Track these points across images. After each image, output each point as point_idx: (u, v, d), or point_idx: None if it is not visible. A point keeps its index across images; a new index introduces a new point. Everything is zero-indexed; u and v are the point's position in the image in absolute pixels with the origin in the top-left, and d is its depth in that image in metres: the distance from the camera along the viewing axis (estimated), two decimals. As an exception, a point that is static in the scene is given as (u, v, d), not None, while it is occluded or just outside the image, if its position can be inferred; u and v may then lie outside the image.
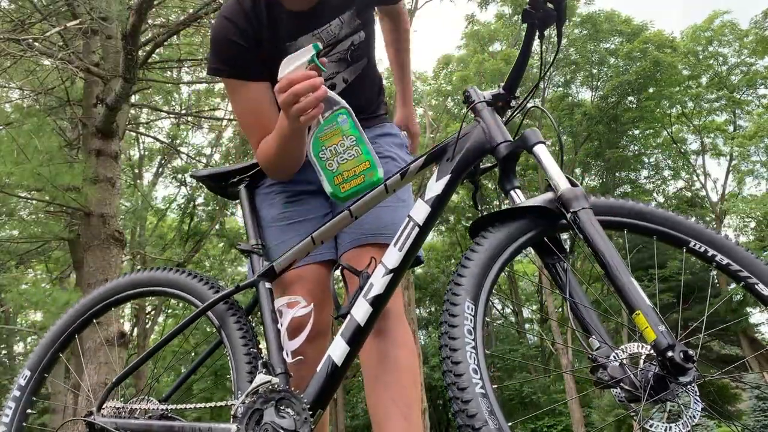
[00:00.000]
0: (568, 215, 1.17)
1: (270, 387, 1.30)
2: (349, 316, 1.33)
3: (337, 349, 1.32)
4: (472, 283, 1.15)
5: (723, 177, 26.22)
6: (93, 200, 5.69)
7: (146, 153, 17.80)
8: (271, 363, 1.36)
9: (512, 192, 1.30)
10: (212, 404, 1.48)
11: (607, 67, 23.21)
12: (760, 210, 20.13)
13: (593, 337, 1.16)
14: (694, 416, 1.01)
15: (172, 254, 14.27)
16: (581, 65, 23.18)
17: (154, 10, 6.36)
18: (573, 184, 1.22)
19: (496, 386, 1.07)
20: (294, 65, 1.31)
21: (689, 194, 25.40)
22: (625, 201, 1.28)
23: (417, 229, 1.35)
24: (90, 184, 5.65)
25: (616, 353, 1.08)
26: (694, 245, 1.23)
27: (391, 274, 1.33)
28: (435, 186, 1.36)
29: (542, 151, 1.26)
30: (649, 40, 22.35)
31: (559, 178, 1.22)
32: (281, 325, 1.42)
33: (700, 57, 24.01)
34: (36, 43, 5.85)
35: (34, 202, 7.30)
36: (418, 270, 24.98)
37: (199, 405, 1.48)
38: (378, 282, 1.33)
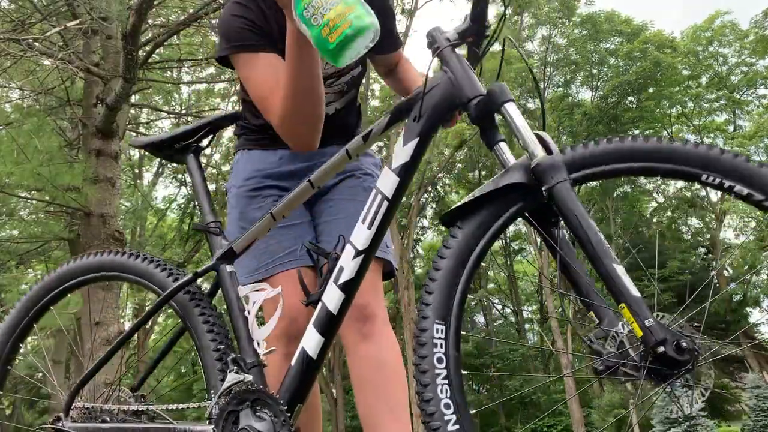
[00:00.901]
0: (543, 190, 1.04)
1: (244, 387, 1.23)
2: (320, 303, 1.24)
3: (311, 341, 1.24)
4: (439, 300, 1.05)
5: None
6: (93, 200, 5.69)
7: (146, 153, 17.78)
8: (242, 356, 1.29)
9: (497, 147, 1.16)
10: (185, 405, 1.39)
11: (607, 67, 23.22)
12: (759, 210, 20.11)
13: (592, 312, 1.05)
14: (707, 383, 0.95)
15: (172, 254, 14.26)
16: (581, 65, 23.19)
17: (154, 10, 6.36)
18: (548, 150, 1.08)
19: (472, 412, 1.00)
20: None
21: (689, 194, 25.41)
22: (613, 143, 1.07)
23: (386, 203, 1.23)
24: (90, 184, 5.65)
25: (615, 332, 0.99)
26: (707, 178, 1.05)
27: (362, 256, 1.23)
28: (402, 152, 1.22)
29: (512, 111, 1.12)
30: (649, 40, 22.36)
31: (533, 144, 1.08)
32: (248, 312, 1.34)
33: (700, 57, 24.03)
34: (36, 43, 5.85)
35: (34, 202, 7.30)
36: (418, 270, 24.97)
37: (171, 406, 1.39)
38: (348, 265, 1.23)
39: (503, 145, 1.16)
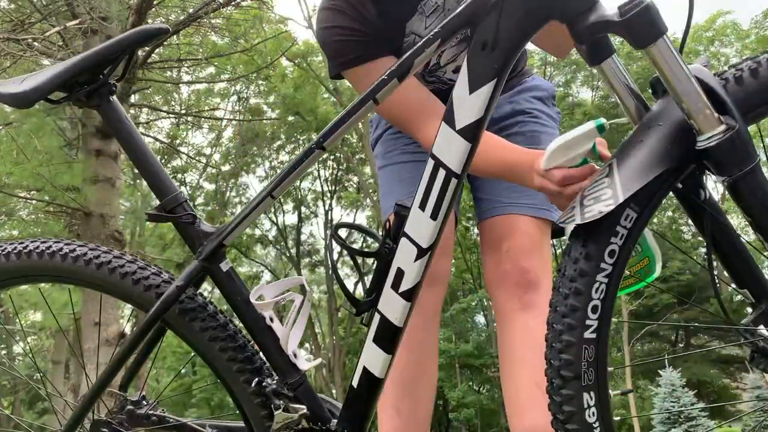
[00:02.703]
0: (722, 180, 0.74)
1: (302, 426, 1.00)
2: (377, 314, 0.96)
3: (375, 360, 0.98)
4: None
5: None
6: (93, 200, 5.69)
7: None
8: (282, 379, 1.03)
9: (605, 63, 0.85)
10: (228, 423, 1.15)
11: (608, 67, 23.25)
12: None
13: (746, 292, 0.84)
14: None
15: (172, 254, 14.26)
16: (582, 65, 23.17)
17: (154, 10, 6.35)
18: (718, 102, 0.72)
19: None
20: (573, 153, 1.00)
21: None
22: None
23: (454, 180, 0.88)
24: (90, 184, 5.64)
25: None
26: None
27: (427, 255, 0.92)
28: (469, 102, 0.85)
29: (666, 51, 0.74)
30: (649, 40, 22.41)
31: (702, 114, 0.72)
32: (271, 319, 1.05)
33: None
34: (36, 43, 5.85)
35: (34, 202, 7.29)
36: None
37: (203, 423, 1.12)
38: (410, 268, 0.92)
39: (617, 60, 0.84)
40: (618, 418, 0.82)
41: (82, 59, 1.05)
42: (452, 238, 1.48)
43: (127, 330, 6.26)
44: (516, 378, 1.30)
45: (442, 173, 0.88)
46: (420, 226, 0.91)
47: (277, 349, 1.03)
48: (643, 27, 0.74)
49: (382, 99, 0.93)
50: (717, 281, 0.83)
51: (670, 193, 0.83)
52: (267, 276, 20.30)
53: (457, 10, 0.87)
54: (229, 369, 1.04)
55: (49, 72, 1.05)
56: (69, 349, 9.56)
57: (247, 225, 1.06)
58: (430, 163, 0.90)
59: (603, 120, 0.93)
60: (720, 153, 0.71)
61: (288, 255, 21.57)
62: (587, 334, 0.77)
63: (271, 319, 1.05)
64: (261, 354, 1.07)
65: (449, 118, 0.88)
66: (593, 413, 0.78)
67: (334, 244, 1.02)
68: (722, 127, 0.71)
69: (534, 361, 1.23)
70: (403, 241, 0.93)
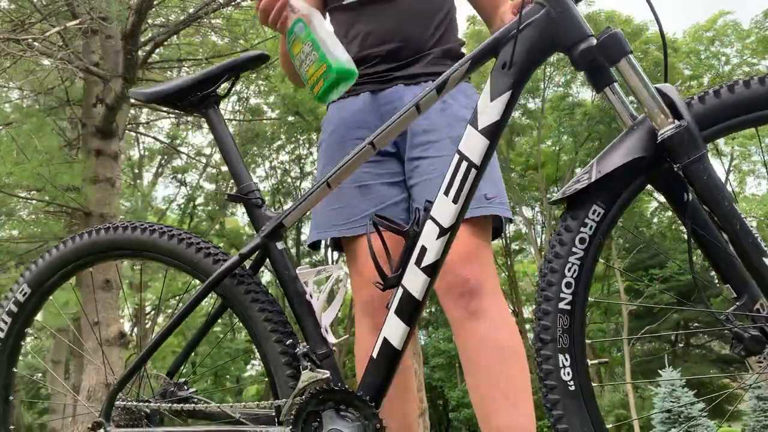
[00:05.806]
0: (676, 167, 0.92)
1: (324, 386, 1.11)
2: (400, 288, 1.10)
3: (395, 330, 1.10)
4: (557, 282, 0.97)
5: (723, 177, 26.23)
6: (93, 200, 5.69)
7: (146, 153, 17.82)
8: (312, 348, 1.15)
9: (607, 89, 1.02)
10: (255, 403, 1.24)
11: (608, 67, 23.24)
12: (761, 210, 20.16)
13: (728, 286, 0.96)
14: None
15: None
16: (581, 65, 23.18)
17: (154, 10, 6.35)
18: (675, 111, 0.93)
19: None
20: None
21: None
22: (752, 87, 0.92)
23: (474, 171, 1.07)
24: (90, 184, 5.64)
25: (760, 308, 0.90)
26: None
27: (447, 234, 1.08)
28: (490, 108, 1.06)
29: (630, 67, 0.98)
30: (649, 40, 22.35)
31: (656, 112, 0.94)
32: (310, 295, 1.20)
33: (702, 57, 24.02)
34: (36, 43, 5.85)
35: (33, 202, 7.30)
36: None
37: (241, 405, 1.23)
38: (432, 246, 1.08)
39: (617, 88, 1.02)
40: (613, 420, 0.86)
41: (201, 75, 1.32)
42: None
43: (127, 330, 6.25)
44: (478, 387, 1.37)
45: (464, 165, 1.07)
46: (443, 209, 1.08)
47: (313, 321, 1.18)
48: (612, 48, 0.99)
49: (424, 108, 1.12)
50: (698, 274, 0.99)
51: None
52: (267, 277, 20.27)
53: (485, 42, 1.10)
54: (268, 335, 1.18)
55: (173, 82, 1.33)
56: (69, 349, 9.57)
57: (304, 210, 1.22)
58: (456, 157, 1.08)
59: None
60: (673, 143, 0.91)
61: (288, 255, 21.56)
62: (562, 305, 0.95)
63: (311, 295, 1.20)
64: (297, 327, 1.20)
65: (473, 122, 1.08)
66: (568, 373, 0.93)
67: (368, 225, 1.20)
68: (675, 124, 0.93)
69: (489, 365, 1.35)
70: (428, 222, 1.09)
